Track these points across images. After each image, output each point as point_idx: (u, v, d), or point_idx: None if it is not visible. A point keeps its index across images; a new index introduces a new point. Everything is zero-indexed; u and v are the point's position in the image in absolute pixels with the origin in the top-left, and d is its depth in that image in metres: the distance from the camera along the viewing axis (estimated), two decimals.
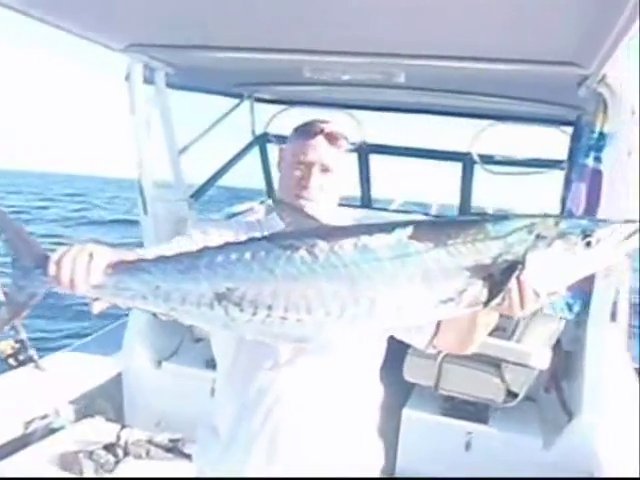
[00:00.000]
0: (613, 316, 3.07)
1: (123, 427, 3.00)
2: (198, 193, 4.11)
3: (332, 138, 1.58)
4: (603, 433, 2.94)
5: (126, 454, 2.85)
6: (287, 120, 4.59)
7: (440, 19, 2.12)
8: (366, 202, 5.03)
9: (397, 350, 3.52)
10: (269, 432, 1.54)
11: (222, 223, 1.71)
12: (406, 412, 3.37)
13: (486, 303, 1.21)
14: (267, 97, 4.41)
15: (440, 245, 1.21)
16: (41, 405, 3.15)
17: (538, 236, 1.22)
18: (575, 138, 3.40)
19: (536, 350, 3.14)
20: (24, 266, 1.35)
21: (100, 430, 3.08)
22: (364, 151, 4.70)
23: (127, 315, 3.77)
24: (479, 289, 1.21)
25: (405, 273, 1.21)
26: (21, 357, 3.32)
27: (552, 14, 1.94)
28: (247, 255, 1.25)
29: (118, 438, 2.90)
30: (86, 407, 3.35)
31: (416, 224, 1.26)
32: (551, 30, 2.11)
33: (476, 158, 4.40)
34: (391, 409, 3.50)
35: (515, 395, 3.25)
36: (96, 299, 1.30)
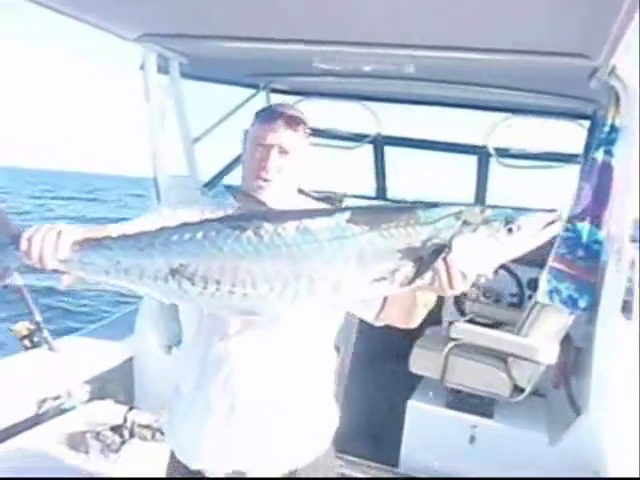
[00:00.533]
0: (624, 310, 3.04)
1: (130, 409, 3.06)
2: (212, 182, 4.16)
3: (291, 122, 1.65)
4: (610, 430, 2.91)
5: (132, 435, 2.91)
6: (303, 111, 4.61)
7: (448, 10, 2.13)
8: (381, 194, 5.03)
9: (403, 342, 3.57)
10: (228, 398, 1.64)
11: (193, 202, 1.77)
12: (411, 403, 3.39)
13: (412, 280, 1.33)
14: (283, 88, 4.43)
15: (375, 229, 1.33)
16: (54, 386, 3.23)
17: (465, 222, 1.34)
18: (592, 132, 3.38)
19: (543, 345, 3.12)
20: None
21: (109, 412, 3.14)
22: (379, 143, 4.70)
23: (139, 301, 3.84)
24: (409, 269, 1.33)
25: (342, 254, 1.33)
26: (35, 339, 3.40)
27: (559, 5, 1.93)
28: (199, 234, 1.37)
29: (125, 420, 2.97)
30: (97, 389, 3.42)
31: (353, 209, 1.38)
32: (558, 21, 2.10)
33: (492, 151, 4.37)
34: (396, 400, 3.54)
35: (522, 390, 3.23)
36: (64, 273, 1.41)
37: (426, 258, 1.32)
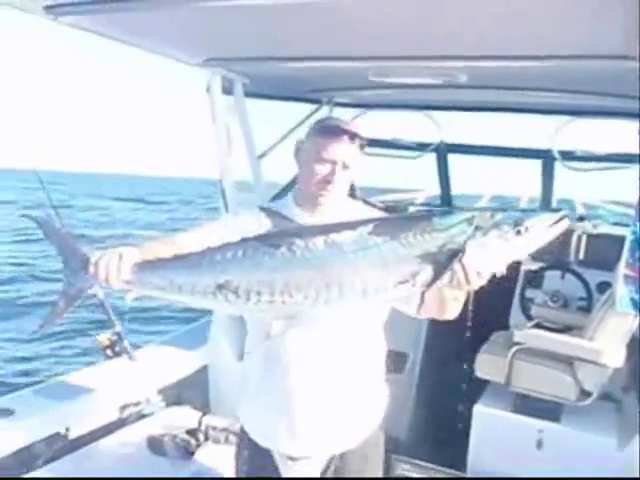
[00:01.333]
0: None
1: (204, 414, 3.23)
2: (278, 196, 4.30)
3: (353, 138, 1.78)
4: None
5: (206, 439, 3.07)
6: (366, 122, 4.70)
7: (495, 20, 2.17)
8: (446, 201, 5.06)
9: (470, 347, 3.59)
10: (287, 385, 1.84)
11: (253, 209, 1.93)
12: (477, 408, 3.39)
13: (432, 281, 1.47)
14: (345, 101, 4.53)
15: (395, 238, 1.48)
16: (134, 393, 3.44)
17: (477, 227, 1.47)
18: None
19: (608, 347, 3.08)
20: (72, 267, 1.66)
21: (185, 417, 3.32)
22: (442, 151, 4.72)
23: (211, 314, 4.02)
24: (429, 272, 1.47)
25: (367, 262, 1.48)
26: (117, 349, 3.63)
27: (601, 8, 1.94)
28: (240, 253, 1.55)
29: (200, 424, 3.13)
30: (174, 396, 3.62)
31: (375, 221, 1.54)
32: (601, 23, 2.10)
33: (556, 155, 4.32)
34: (463, 405, 3.56)
35: (589, 394, 3.19)
36: (128, 290, 1.63)
37: (443, 261, 1.46)
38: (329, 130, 1.80)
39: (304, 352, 1.81)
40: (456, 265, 1.45)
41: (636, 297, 2.90)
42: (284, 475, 1.95)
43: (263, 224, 1.71)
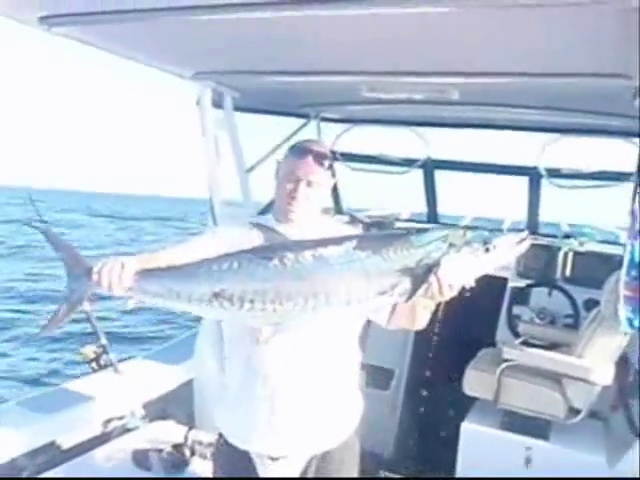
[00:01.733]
0: None
1: (190, 429, 3.19)
2: (265, 210, 4.29)
3: (319, 158, 1.96)
4: None
5: (192, 454, 3.03)
6: (353, 138, 4.72)
7: (487, 38, 2.20)
8: (432, 218, 5.07)
9: (456, 364, 3.58)
10: (268, 391, 1.92)
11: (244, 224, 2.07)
12: (465, 425, 3.38)
13: (410, 294, 1.61)
14: (333, 116, 4.55)
15: (377, 253, 1.62)
16: (118, 406, 3.39)
17: (450, 244, 1.62)
18: None
19: (597, 365, 3.09)
20: (75, 274, 1.76)
21: (170, 431, 3.28)
22: (429, 167, 4.75)
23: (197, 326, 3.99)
24: (407, 284, 1.61)
25: (351, 275, 1.62)
26: (102, 361, 3.58)
27: (598, 27, 1.97)
28: (235, 264, 1.66)
29: (186, 439, 3.09)
30: (159, 410, 3.57)
31: (358, 238, 1.69)
32: (598, 42, 2.13)
33: (543, 172, 4.36)
34: (450, 422, 3.55)
35: (578, 411, 3.19)
36: (129, 297, 1.72)
37: (420, 275, 1.61)
38: (297, 151, 2.01)
39: (287, 357, 1.91)
40: (431, 278, 1.60)
41: (631, 316, 2.90)
42: (261, 474, 2.01)
43: (253, 237, 1.81)
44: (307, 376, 1.93)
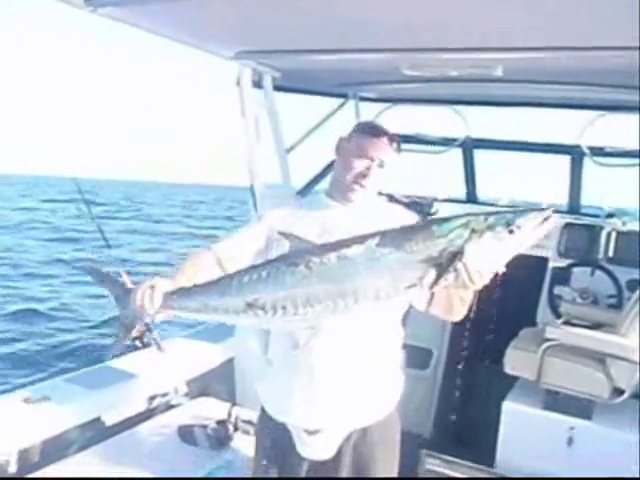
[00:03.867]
0: None
1: (233, 405, 3.25)
2: (304, 190, 4.31)
3: (392, 141, 1.96)
4: None
5: (236, 429, 3.09)
6: (391, 118, 4.69)
7: (531, 10, 2.16)
8: (472, 197, 5.03)
9: (496, 343, 3.56)
10: (310, 368, 1.95)
11: (289, 205, 2.13)
12: (507, 405, 3.36)
13: (436, 283, 1.58)
14: (371, 96, 4.52)
15: (400, 248, 1.60)
16: (162, 383, 3.47)
17: (473, 230, 1.57)
18: None
19: None
20: (122, 301, 1.88)
21: (213, 408, 3.35)
22: (468, 146, 4.69)
23: None
24: (433, 275, 1.58)
25: (376, 272, 1.61)
26: (145, 339, 3.65)
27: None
28: (264, 274, 1.70)
29: (229, 415, 3.15)
30: (201, 387, 3.64)
31: (381, 234, 1.64)
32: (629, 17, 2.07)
33: (585, 150, 4.28)
34: (492, 401, 3.54)
35: (622, 392, 3.15)
36: (157, 313, 1.80)
37: (444, 264, 1.58)
38: (371, 129, 2.00)
39: (330, 336, 1.91)
40: (459, 265, 1.57)
41: None
42: (299, 448, 2.04)
43: (302, 215, 1.97)
44: (349, 352, 1.95)
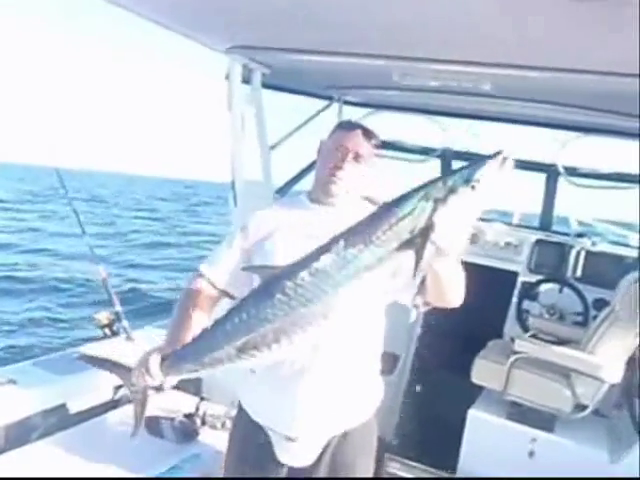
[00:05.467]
0: None
1: (202, 399, 3.23)
2: (283, 189, 4.31)
3: (367, 134, 1.97)
4: None
5: (203, 424, 3.07)
6: (374, 124, 4.71)
7: (526, 28, 2.20)
8: None
9: (463, 352, 3.61)
10: (294, 378, 1.91)
11: (267, 207, 2.13)
12: (472, 413, 3.42)
13: (417, 264, 1.52)
14: (356, 100, 4.55)
15: (368, 243, 1.53)
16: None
17: (435, 200, 1.50)
18: None
19: (608, 363, 3.12)
20: (125, 380, 1.94)
21: (181, 401, 3.32)
22: (447, 157, 4.76)
23: None
24: (410, 257, 1.52)
25: (352, 273, 1.55)
26: (114, 328, 3.61)
27: (622, 25, 1.96)
28: (244, 316, 1.66)
29: (197, 409, 3.13)
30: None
31: (345, 236, 1.58)
32: (620, 41, 2.13)
33: (561, 169, 4.38)
34: (456, 409, 3.58)
35: (584, 407, 3.23)
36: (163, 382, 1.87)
37: (419, 244, 1.51)
38: (345, 125, 2.06)
39: (309, 344, 1.87)
40: (433, 236, 1.49)
41: None
42: (279, 454, 2.02)
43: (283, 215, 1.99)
44: (332, 359, 1.92)
